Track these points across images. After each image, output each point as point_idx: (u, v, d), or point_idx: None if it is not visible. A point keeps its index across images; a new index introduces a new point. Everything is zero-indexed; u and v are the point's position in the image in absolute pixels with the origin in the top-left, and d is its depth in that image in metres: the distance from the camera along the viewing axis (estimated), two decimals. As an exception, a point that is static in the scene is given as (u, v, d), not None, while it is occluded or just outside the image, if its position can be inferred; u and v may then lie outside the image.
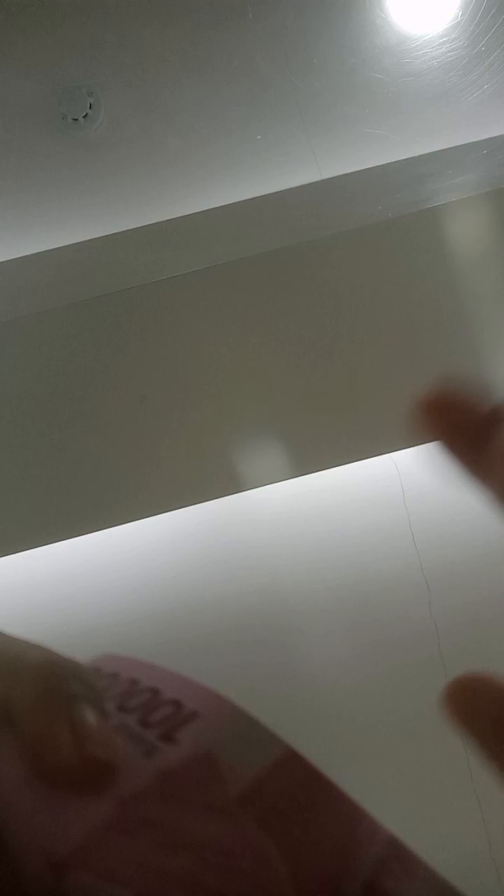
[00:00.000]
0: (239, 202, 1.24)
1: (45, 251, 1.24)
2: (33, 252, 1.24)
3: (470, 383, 0.18)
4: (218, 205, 1.24)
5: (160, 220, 1.24)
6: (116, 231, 1.24)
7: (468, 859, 1.19)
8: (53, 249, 1.23)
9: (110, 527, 1.15)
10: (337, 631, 1.20)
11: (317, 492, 1.23)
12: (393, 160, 1.26)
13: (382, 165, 1.26)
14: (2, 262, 1.24)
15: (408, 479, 1.23)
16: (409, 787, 1.20)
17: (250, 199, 1.25)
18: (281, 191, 1.25)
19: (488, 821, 1.17)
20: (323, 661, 1.19)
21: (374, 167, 1.26)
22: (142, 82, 1.25)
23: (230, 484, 1.16)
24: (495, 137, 1.27)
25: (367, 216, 1.17)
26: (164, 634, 1.17)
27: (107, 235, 1.24)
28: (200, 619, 1.18)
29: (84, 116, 1.24)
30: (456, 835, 1.19)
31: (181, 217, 1.24)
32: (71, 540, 1.15)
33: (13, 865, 0.15)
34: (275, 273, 1.16)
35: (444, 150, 1.26)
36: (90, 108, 1.23)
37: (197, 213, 1.24)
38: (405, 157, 1.26)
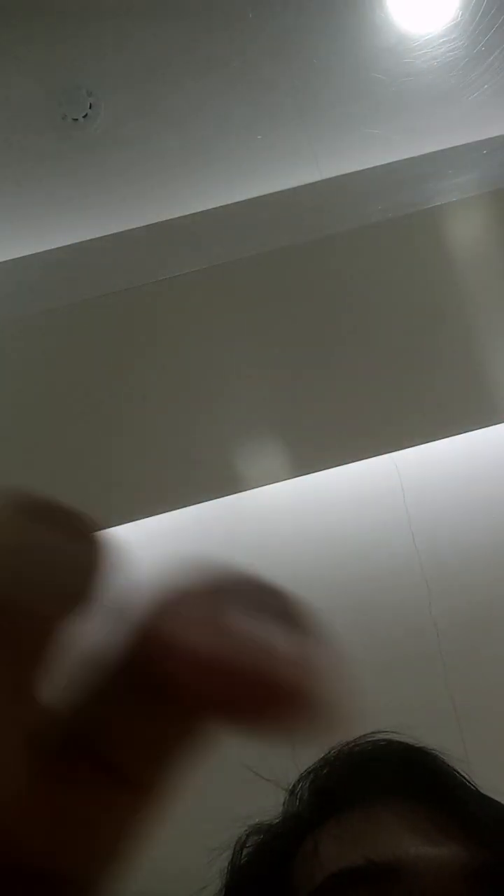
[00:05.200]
0: (239, 202, 1.24)
1: (45, 251, 1.24)
2: (33, 252, 1.24)
3: None
4: (218, 205, 1.24)
5: (160, 220, 1.24)
6: (116, 231, 1.24)
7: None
8: (53, 249, 1.23)
9: (110, 527, 1.15)
10: (337, 631, 1.20)
11: (317, 492, 1.23)
12: (393, 160, 1.26)
13: (383, 165, 1.26)
14: (2, 262, 1.24)
15: (408, 479, 1.23)
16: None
17: (250, 199, 1.25)
18: (281, 191, 1.25)
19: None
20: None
21: (374, 167, 1.26)
22: (142, 82, 1.25)
23: (230, 484, 1.16)
24: (495, 137, 1.27)
25: (367, 216, 1.17)
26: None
27: (107, 235, 1.24)
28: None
29: (84, 116, 1.24)
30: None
31: (181, 217, 1.24)
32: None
33: None
34: (275, 273, 1.16)
35: (444, 150, 1.26)
36: (90, 108, 1.23)
37: (197, 213, 1.24)
38: (405, 157, 1.26)
